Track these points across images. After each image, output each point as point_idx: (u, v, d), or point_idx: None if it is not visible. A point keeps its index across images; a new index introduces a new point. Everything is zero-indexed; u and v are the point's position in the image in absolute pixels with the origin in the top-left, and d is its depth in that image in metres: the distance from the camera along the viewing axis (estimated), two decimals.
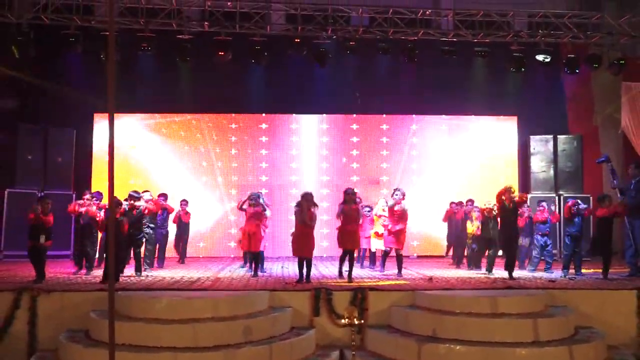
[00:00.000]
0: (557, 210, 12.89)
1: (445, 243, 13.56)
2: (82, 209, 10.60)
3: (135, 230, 10.05)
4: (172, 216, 12.39)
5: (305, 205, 9.43)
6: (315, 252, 13.56)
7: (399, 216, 10.44)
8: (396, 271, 10.41)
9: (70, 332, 7.69)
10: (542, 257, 11.20)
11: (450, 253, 13.30)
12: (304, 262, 9.42)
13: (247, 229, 10.34)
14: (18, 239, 11.08)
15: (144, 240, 10.60)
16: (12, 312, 7.86)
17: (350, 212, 9.79)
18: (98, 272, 10.19)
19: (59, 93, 13.61)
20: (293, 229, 9.87)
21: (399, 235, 10.43)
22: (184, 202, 12.85)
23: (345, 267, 9.84)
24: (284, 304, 8.25)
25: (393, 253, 10.66)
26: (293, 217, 9.84)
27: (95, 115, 14.49)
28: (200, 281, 9.47)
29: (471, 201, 12.28)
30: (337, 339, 8.11)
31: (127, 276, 9.88)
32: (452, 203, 12.93)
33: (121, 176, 13.86)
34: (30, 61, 13.00)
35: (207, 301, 7.65)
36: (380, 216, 11.21)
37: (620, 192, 10.64)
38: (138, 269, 10.22)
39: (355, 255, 11.66)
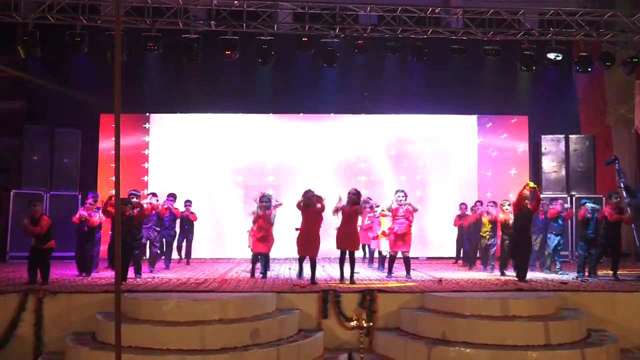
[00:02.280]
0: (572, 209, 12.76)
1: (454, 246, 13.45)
2: (85, 213, 10.51)
3: (135, 232, 9.88)
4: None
5: (311, 202, 9.35)
6: (324, 254, 13.66)
7: (404, 217, 10.30)
8: (405, 273, 10.29)
9: (77, 335, 7.64)
10: (555, 259, 11.06)
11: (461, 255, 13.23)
12: (306, 260, 9.36)
13: (258, 231, 10.22)
14: (24, 241, 11.01)
15: (143, 242, 10.47)
16: (18, 314, 7.81)
17: (349, 213, 9.59)
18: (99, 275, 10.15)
19: (64, 94, 13.60)
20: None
21: (404, 237, 10.29)
22: (188, 203, 12.77)
23: (348, 269, 9.73)
24: (291, 306, 8.16)
25: (399, 255, 10.52)
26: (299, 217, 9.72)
27: (102, 115, 14.50)
28: (207, 283, 9.40)
29: (480, 202, 12.17)
30: (345, 342, 8.04)
31: (131, 278, 9.82)
32: (462, 204, 12.85)
33: (130, 177, 13.90)
34: (36, 61, 12.99)
35: (214, 303, 7.58)
36: (384, 215, 11.04)
37: (627, 191, 10.58)
38: (137, 271, 10.11)
39: (363, 255, 11.58)
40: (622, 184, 10.74)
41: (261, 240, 10.18)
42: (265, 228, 10.16)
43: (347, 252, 9.58)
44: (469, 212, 12.63)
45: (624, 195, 10.60)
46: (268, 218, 10.20)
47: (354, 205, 9.58)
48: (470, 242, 12.44)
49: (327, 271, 11.32)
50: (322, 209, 9.43)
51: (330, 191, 14.23)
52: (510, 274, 10.74)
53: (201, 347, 6.88)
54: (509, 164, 15.09)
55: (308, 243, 9.42)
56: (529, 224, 10.07)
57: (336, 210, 9.58)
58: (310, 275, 9.31)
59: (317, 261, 9.55)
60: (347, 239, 9.58)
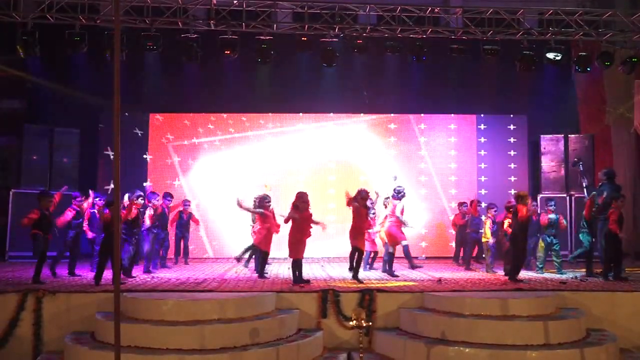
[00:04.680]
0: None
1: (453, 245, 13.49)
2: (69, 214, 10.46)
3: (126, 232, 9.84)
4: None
5: (302, 206, 9.41)
6: (323, 253, 13.69)
7: (392, 214, 10.56)
8: (405, 272, 10.35)
9: (76, 334, 7.67)
10: (550, 259, 11.07)
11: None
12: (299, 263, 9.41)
13: (268, 229, 10.25)
14: (23, 240, 11.02)
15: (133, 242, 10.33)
16: (17, 313, 7.84)
17: (362, 212, 9.75)
18: None
19: (64, 93, 13.60)
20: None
21: (392, 233, 10.58)
22: (187, 202, 12.78)
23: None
24: (291, 306, 8.19)
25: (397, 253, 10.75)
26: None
27: (101, 114, 14.46)
28: (206, 282, 9.41)
29: (465, 203, 12.25)
30: (344, 341, 8.07)
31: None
32: (460, 203, 12.89)
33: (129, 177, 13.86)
34: (36, 61, 12.99)
35: (214, 303, 7.61)
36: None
37: (588, 193, 10.92)
38: (126, 273, 9.94)
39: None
40: (584, 184, 11.20)
41: (268, 239, 10.24)
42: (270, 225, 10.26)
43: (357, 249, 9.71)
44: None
45: (585, 195, 11.04)
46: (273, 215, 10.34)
47: (364, 207, 9.79)
48: (466, 242, 12.50)
49: (327, 270, 11.32)
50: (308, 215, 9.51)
51: (329, 191, 14.54)
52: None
53: (200, 346, 6.90)
54: (508, 163, 15.07)
55: (301, 245, 9.43)
56: (526, 225, 10.10)
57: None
58: (297, 276, 9.29)
59: (317, 261, 9.59)
60: (354, 237, 9.69)
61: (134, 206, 9.91)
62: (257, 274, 10.19)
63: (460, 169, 15.09)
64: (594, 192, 10.63)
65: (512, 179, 14.88)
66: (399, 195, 10.62)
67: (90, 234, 10.83)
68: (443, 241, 14.63)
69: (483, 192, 14.52)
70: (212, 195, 14.68)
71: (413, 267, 11.18)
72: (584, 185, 11.20)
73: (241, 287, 8.87)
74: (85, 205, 10.67)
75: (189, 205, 12.83)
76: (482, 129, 15.23)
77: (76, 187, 13.78)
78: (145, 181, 14.21)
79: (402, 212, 10.54)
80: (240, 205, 10.29)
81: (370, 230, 11.16)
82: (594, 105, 15.21)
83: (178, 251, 12.72)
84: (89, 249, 11.29)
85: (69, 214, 10.33)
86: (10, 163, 14.21)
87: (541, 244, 10.98)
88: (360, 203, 9.69)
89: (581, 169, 11.70)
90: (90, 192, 11.03)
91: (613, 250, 9.99)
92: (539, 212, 11.34)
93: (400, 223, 10.58)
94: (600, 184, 10.74)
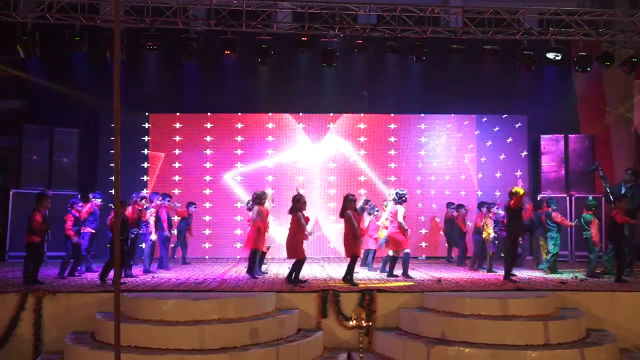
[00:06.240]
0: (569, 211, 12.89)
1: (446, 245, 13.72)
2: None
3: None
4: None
5: (304, 207, 9.40)
6: (323, 254, 13.69)
7: (394, 217, 10.44)
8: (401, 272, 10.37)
9: (76, 334, 7.67)
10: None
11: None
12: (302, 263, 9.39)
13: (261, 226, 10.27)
14: (23, 241, 11.01)
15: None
16: (18, 313, 7.84)
17: (355, 217, 9.59)
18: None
19: (64, 93, 13.60)
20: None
21: (395, 238, 10.43)
22: (193, 204, 12.81)
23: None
24: (291, 306, 8.20)
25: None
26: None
27: (101, 114, 14.46)
28: (206, 282, 9.41)
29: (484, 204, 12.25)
30: (344, 341, 8.07)
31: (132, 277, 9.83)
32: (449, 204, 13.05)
33: (129, 177, 13.89)
34: (36, 61, 12.99)
35: (214, 303, 7.61)
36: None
37: (612, 196, 10.65)
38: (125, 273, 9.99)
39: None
40: (607, 189, 10.97)
41: (260, 238, 10.26)
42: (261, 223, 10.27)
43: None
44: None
45: (610, 199, 10.72)
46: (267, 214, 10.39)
47: (354, 210, 9.64)
48: (463, 242, 12.59)
49: (327, 271, 11.32)
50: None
51: (329, 191, 14.55)
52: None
53: (200, 346, 6.90)
54: (508, 163, 15.06)
55: (301, 245, 9.40)
56: (520, 220, 10.18)
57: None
58: (293, 276, 9.28)
59: (317, 261, 9.58)
60: (349, 243, 9.55)
61: (135, 206, 9.97)
62: (248, 274, 10.13)
63: (460, 168, 15.09)
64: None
65: (513, 179, 14.86)
66: (400, 199, 10.32)
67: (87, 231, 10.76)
68: (442, 242, 14.62)
69: (479, 193, 14.57)
70: (212, 195, 14.69)
71: (407, 277, 10.32)
72: (608, 190, 10.91)
73: (241, 287, 8.87)
74: (84, 211, 10.61)
75: (194, 208, 12.84)
76: (482, 128, 15.22)
77: (75, 187, 13.83)
78: (144, 181, 14.27)
79: (404, 217, 10.36)
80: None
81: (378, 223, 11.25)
82: (593, 105, 15.20)
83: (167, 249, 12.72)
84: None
85: (69, 222, 10.25)
86: (10, 163, 14.21)
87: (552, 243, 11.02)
88: (350, 208, 9.46)
89: (601, 173, 11.36)
90: (91, 196, 10.97)
91: (620, 240, 9.91)
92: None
93: (403, 228, 10.44)
94: (629, 184, 10.66)
